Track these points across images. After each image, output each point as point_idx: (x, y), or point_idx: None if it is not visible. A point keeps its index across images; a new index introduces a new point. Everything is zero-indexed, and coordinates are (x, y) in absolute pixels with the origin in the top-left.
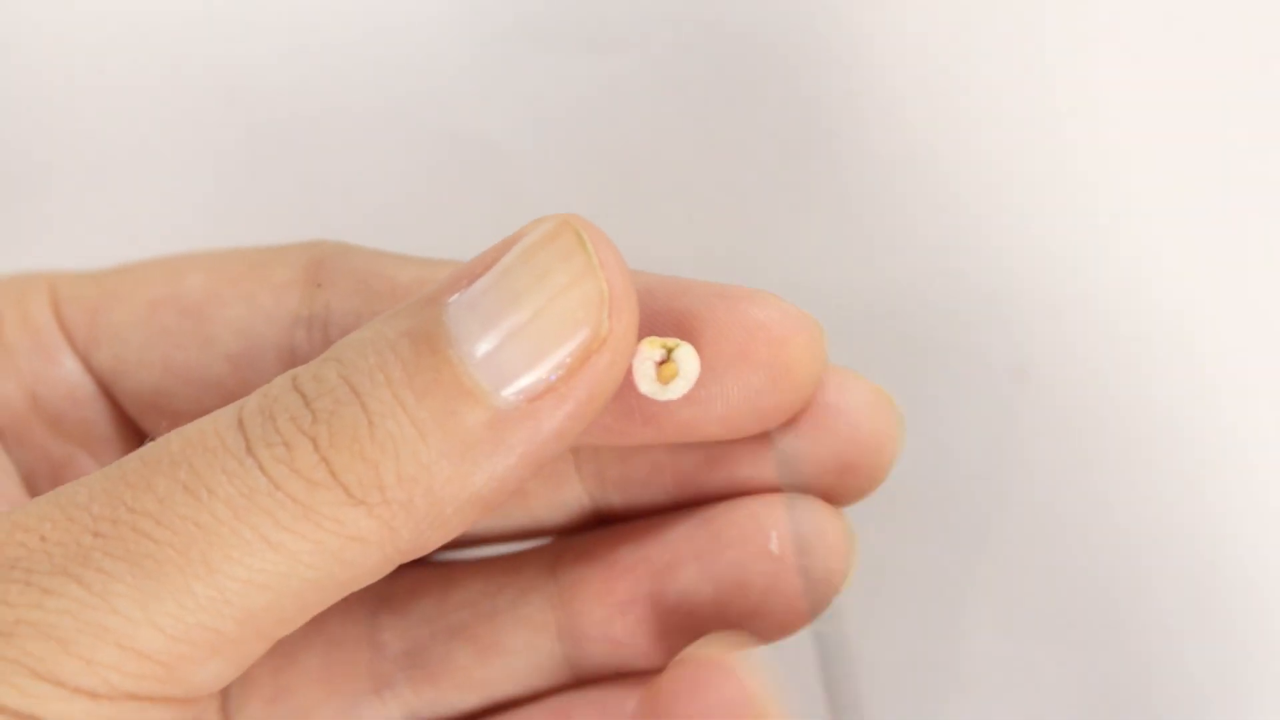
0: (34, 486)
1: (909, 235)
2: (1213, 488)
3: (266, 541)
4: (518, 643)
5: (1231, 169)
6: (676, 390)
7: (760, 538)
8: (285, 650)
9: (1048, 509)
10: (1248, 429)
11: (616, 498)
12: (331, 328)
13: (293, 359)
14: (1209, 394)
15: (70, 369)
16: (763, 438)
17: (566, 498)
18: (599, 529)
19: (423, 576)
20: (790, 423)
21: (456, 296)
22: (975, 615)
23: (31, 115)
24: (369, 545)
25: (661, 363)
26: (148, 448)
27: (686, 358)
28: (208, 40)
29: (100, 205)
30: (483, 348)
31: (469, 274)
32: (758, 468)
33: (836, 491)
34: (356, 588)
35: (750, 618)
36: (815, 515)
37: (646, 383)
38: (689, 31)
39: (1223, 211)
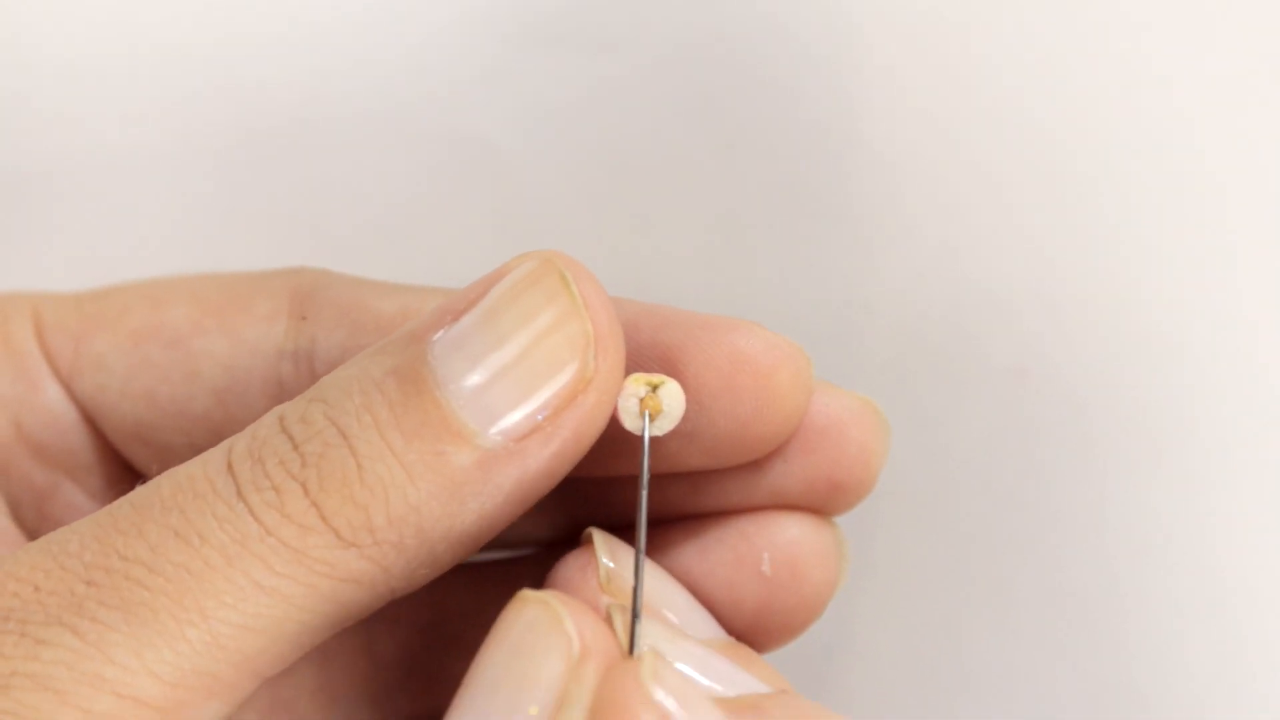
0: (18, 514)
1: (909, 235)
2: (1212, 487)
3: (260, 587)
4: None
5: (1231, 169)
6: (662, 427)
7: (753, 559)
8: None
9: (1047, 508)
10: (1247, 428)
11: (601, 518)
12: (317, 361)
13: (279, 392)
14: (1208, 393)
15: (54, 397)
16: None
17: (552, 517)
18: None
19: None
20: (778, 451)
21: (441, 334)
22: (974, 615)
23: (32, 120)
24: (361, 586)
25: (646, 399)
26: (138, 492)
27: (672, 394)
28: (207, 41)
29: (102, 204)
30: (469, 387)
31: (452, 310)
32: (746, 489)
33: (826, 506)
34: (349, 624)
35: (744, 636)
36: (806, 530)
37: (631, 419)
38: (688, 32)
39: (1222, 211)
